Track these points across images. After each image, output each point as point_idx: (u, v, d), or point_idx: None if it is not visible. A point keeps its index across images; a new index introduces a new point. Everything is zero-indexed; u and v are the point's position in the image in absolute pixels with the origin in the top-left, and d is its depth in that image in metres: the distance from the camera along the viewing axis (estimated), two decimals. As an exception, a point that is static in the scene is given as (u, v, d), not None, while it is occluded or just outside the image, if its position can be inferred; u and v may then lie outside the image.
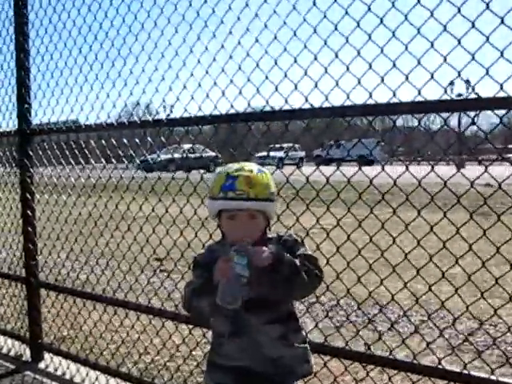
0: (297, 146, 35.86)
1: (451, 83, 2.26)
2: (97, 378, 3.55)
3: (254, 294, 1.97)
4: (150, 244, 3.14)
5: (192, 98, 2.86)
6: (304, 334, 2.14)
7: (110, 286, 3.58)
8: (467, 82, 2.21)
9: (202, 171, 3.05)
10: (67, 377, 3.69)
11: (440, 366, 2.21)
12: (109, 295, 3.56)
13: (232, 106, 2.73)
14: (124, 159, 3.41)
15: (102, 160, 3.59)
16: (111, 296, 3.53)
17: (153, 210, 3.11)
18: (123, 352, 3.71)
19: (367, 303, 5.16)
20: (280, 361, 2.02)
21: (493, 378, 2.11)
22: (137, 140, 3.29)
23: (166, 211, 3.03)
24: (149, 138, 3.25)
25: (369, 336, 3.54)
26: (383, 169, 2.36)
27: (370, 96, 2.26)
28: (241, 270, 1.83)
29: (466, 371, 2.16)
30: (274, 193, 2.04)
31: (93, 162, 3.71)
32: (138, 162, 3.46)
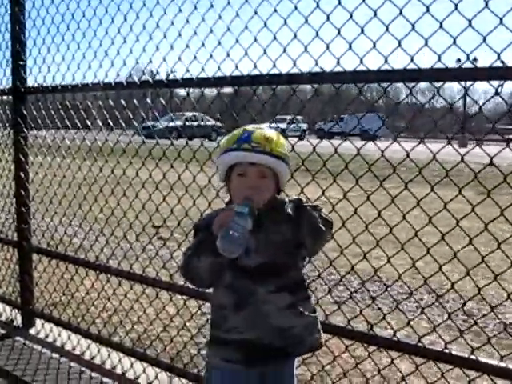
0: (299, 117, 35.57)
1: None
2: (88, 347, 3.46)
3: (260, 259, 1.89)
4: (146, 210, 3.01)
5: (195, 57, 2.69)
6: (313, 303, 2.03)
7: (104, 253, 3.45)
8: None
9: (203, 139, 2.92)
10: (58, 344, 3.61)
11: (446, 351, 2.10)
12: (102, 262, 3.44)
13: (237, 68, 2.56)
14: (123, 123, 3.25)
15: (99, 122, 3.43)
16: (104, 263, 3.41)
17: (150, 176, 2.96)
18: (115, 321, 3.62)
19: (366, 278, 5.16)
20: (289, 331, 1.92)
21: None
22: (135, 102, 3.12)
23: (164, 177, 2.89)
24: (148, 100, 3.08)
25: (369, 314, 3.45)
26: (396, 140, 2.22)
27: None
28: (242, 218, 1.74)
29: (473, 356, 2.05)
30: (289, 157, 1.96)
31: (89, 124, 3.55)
32: (139, 127, 3.30)
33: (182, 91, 2.97)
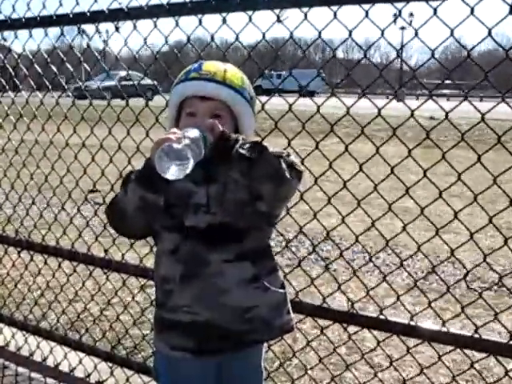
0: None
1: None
2: (13, 336, 2.96)
3: (212, 218, 1.51)
4: (71, 174, 2.51)
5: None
6: (281, 276, 1.64)
7: (25, 227, 2.91)
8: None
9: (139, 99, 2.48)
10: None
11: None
12: (24, 238, 2.90)
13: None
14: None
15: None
16: (27, 239, 2.87)
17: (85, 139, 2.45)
18: (43, 304, 3.11)
19: (316, 237, 4.86)
20: (252, 311, 1.53)
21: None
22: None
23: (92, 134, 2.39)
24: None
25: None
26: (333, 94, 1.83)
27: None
28: (193, 142, 1.37)
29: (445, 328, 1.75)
30: (251, 95, 1.62)
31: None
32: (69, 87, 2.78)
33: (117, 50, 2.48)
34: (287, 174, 1.43)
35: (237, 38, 1.96)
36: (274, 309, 1.58)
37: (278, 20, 1.90)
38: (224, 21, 1.98)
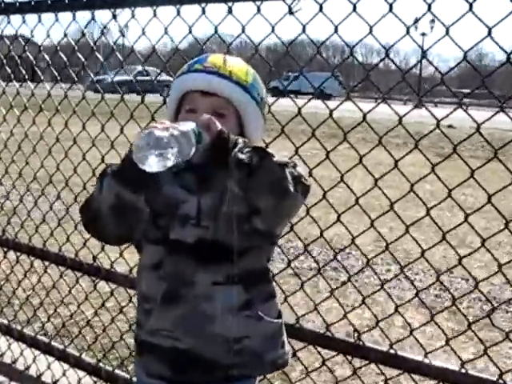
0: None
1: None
2: (-4, 342, 2.78)
3: (202, 233, 1.31)
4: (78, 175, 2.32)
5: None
6: (278, 303, 1.44)
7: (12, 226, 2.71)
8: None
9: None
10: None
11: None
12: (11, 237, 2.72)
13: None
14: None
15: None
16: (13, 238, 2.67)
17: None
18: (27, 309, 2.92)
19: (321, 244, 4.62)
20: (242, 343, 1.33)
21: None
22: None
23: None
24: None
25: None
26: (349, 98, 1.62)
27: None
28: (184, 136, 1.17)
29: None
30: (261, 95, 1.41)
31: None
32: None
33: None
34: (291, 187, 1.22)
35: (243, 30, 1.75)
36: (267, 341, 1.38)
37: (290, 12, 1.69)
38: (230, 10, 1.77)
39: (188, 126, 1.20)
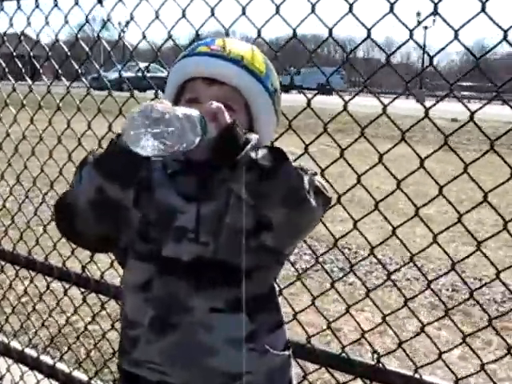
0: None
1: None
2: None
3: (201, 250, 1.10)
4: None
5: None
6: (286, 331, 1.23)
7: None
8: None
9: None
10: None
11: None
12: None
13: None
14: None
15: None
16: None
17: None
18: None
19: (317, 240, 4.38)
20: (243, 379, 1.13)
21: None
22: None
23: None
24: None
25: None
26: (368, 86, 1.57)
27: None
28: (189, 121, 0.94)
29: None
30: (275, 86, 1.17)
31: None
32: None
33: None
34: (311, 198, 1.01)
35: (243, 12, 1.54)
36: (272, 376, 1.17)
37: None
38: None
39: (194, 111, 0.97)
